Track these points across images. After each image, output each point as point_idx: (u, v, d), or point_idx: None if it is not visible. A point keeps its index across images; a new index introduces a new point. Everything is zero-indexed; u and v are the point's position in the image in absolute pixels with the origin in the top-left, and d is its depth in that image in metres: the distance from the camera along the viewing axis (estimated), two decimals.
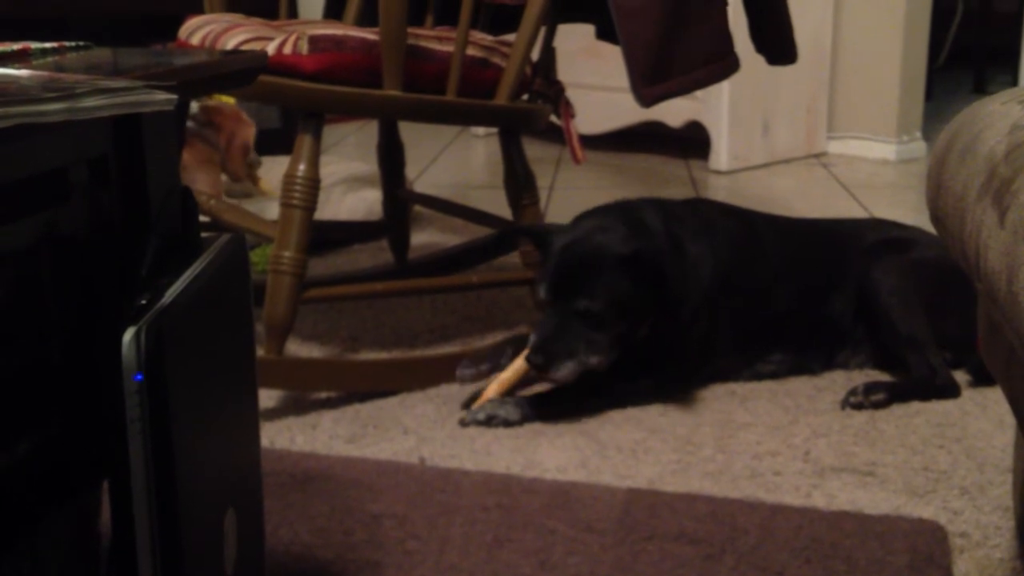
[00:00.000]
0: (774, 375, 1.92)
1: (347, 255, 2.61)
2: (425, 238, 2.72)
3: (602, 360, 1.75)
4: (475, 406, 1.75)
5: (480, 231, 2.48)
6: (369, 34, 1.76)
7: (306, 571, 1.30)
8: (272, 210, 2.47)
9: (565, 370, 1.73)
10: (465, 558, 1.33)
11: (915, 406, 1.78)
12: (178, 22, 2.02)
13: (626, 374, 1.81)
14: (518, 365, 1.80)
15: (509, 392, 1.80)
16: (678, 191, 3.25)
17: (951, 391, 1.82)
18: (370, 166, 2.72)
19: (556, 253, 1.78)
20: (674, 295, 1.76)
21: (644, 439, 1.67)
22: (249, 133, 2.77)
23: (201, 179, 2.53)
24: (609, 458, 1.61)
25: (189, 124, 2.68)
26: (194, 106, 2.74)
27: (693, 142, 3.75)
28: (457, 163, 3.85)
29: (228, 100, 2.86)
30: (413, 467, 1.58)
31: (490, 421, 1.72)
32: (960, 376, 1.86)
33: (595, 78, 3.60)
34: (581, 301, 1.72)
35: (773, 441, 1.67)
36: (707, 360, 1.88)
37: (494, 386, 1.79)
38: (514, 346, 1.87)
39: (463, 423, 1.73)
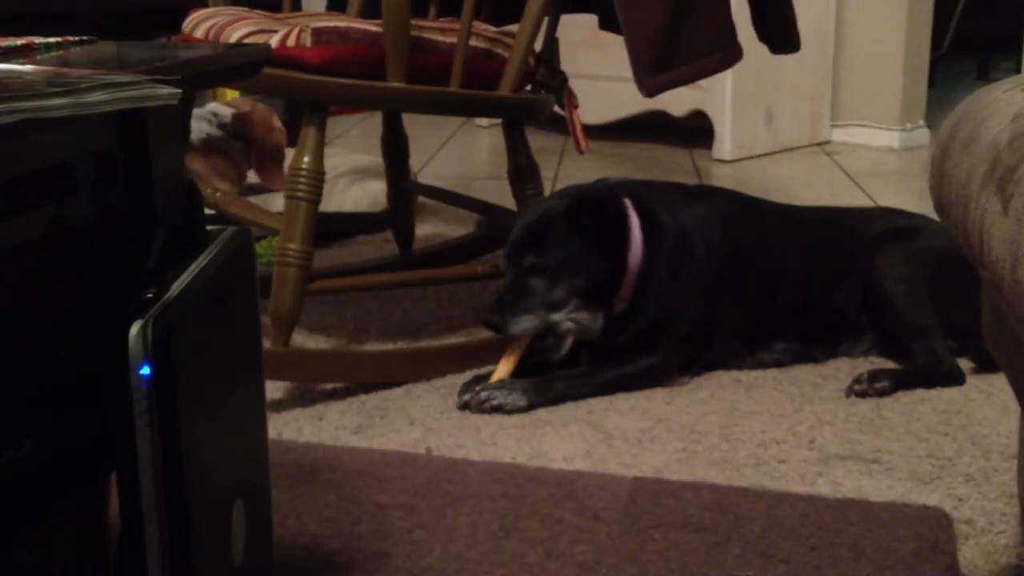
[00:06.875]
0: (778, 363, 1.92)
1: (352, 247, 2.61)
2: (430, 229, 2.72)
3: (564, 314, 1.78)
4: (479, 390, 1.74)
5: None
6: (372, 26, 1.76)
7: (314, 561, 1.31)
8: (277, 202, 2.47)
9: (521, 324, 1.76)
10: (472, 547, 1.33)
11: (920, 394, 1.78)
12: (182, 15, 2.03)
13: (625, 357, 1.82)
14: (515, 348, 1.80)
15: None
16: (682, 180, 3.24)
17: (956, 378, 1.82)
18: (374, 158, 2.72)
19: (516, 226, 1.85)
20: (619, 240, 1.80)
21: (649, 428, 1.68)
22: (279, 139, 2.76)
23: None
24: (614, 447, 1.61)
25: (217, 133, 2.67)
26: (226, 113, 2.73)
27: (697, 131, 3.74)
28: (461, 154, 3.85)
29: (233, 94, 2.86)
30: (419, 457, 1.58)
31: (498, 410, 1.72)
32: (965, 363, 1.86)
33: (598, 68, 3.60)
34: (530, 258, 1.77)
35: (778, 429, 1.67)
36: (704, 343, 1.88)
37: (501, 373, 1.79)
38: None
39: (467, 408, 1.73)
